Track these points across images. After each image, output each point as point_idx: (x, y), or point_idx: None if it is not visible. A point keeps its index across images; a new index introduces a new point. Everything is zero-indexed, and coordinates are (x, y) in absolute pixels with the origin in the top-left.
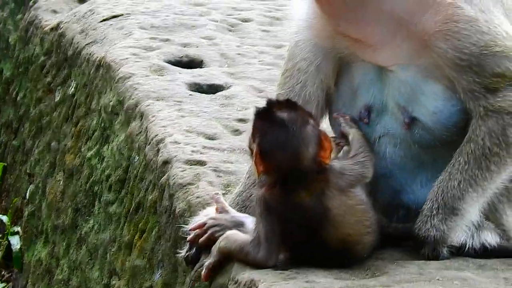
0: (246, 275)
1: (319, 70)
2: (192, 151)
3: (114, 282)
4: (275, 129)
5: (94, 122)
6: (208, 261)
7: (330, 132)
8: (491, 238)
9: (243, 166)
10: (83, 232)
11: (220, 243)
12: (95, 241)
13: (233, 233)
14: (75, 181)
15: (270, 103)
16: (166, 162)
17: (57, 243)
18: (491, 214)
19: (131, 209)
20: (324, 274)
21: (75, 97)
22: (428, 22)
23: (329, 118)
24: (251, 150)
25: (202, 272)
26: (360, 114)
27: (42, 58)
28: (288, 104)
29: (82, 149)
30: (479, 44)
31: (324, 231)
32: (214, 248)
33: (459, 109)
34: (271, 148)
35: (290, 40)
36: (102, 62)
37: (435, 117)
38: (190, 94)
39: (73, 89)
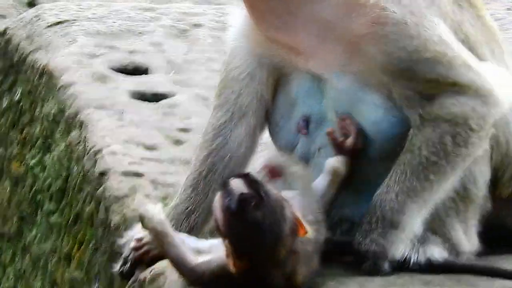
0: None
1: (253, 79)
2: (130, 163)
3: None
4: (252, 233)
5: (38, 130)
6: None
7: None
8: (437, 252)
9: (182, 178)
10: (27, 242)
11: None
12: (38, 250)
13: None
14: (20, 189)
15: (242, 200)
16: (103, 174)
17: (4, 251)
18: (438, 228)
19: (70, 220)
20: None
21: (21, 104)
22: (355, 25)
23: (269, 129)
24: (223, 242)
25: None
26: (298, 125)
27: None
28: (259, 194)
29: (27, 157)
30: (408, 49)
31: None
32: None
33: (400, 119)
34: (248, 251)
35: (227, 49)
36: (45, 70)
37: (375, 128)
38: (132, 103)
39: (19, 95)
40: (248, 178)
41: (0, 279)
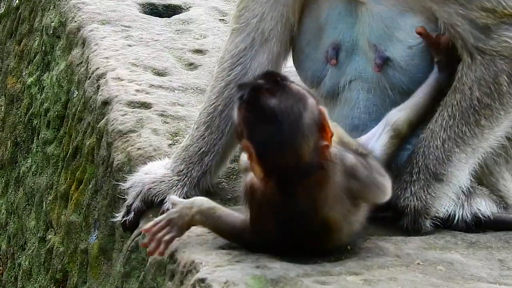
0: (186, 254)
1: (278, 2)
2: (137, 90)
3: (50, 236)
4: (269, 126)
5: (36, 43)
6: (170, 234)
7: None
8: (485, 206)
9: (195, 110)
10: (21, 171)
11: (195, 217)
12: (32, 184)
13: (207, 208)
14: (15, 110)
15: (256, 88)
16: (106, 103)
17: None
18: (485, 178)
19: (68, 153)
20: (278, 257)
21: (20, 11)
22: None
23: (293, 58)
24: (244, 145)
25: (161, 247)
26: (327, 54)
27: None
28: (277, 83)
29: (24, 73)
30: None
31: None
32: (180, 221)
33: None
34: (269, 150)
35: None
36: None
37: (411, 53)
38: (142, 18)
39: (17, 1)
40: (266, 73)
41: None
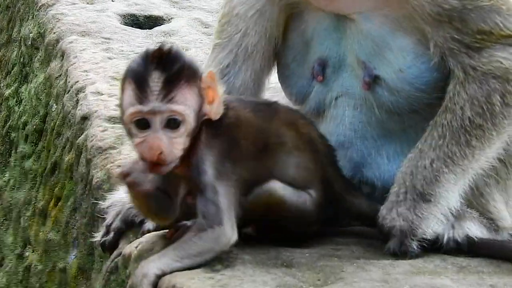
0: (167, 278)
1: (262, 16)
2: (117, 105)
3: (27, 253)
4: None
5: (14, 54)
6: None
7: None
8: (475, 229)
9: None
10: None
11: None
12: (10, 199)
13: None
14: None
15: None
16: (85, 118)
17: None
18: (475, 200)
19: (47, 168)
20: (265, 280)
21: None
22: None
23: (278, 74)
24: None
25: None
26: (313, 70)
27: None
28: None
29: (1, 85)
30: None
31: None
32: None
33: (430, 67)
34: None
35: None
36: None
37: (401, 76)
38: (123, 29)
39: None
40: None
41: None
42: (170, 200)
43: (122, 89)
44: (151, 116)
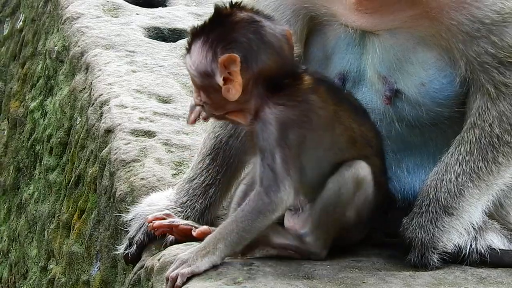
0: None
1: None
2: (140, 118)
3: (51, 266)
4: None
5: (39, 67)
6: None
7: None
8: (497, 241)
9: (200, 139)
10: (23, 198)
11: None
12: (34, 212)
13: None
14: (18, 135)
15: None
16: (109, 131)
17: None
18: (496, 212)
19: (71, 181)
20: None
21: (23, 33)
22: None
23: None
24: (226, 60)
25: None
26: None
27: None
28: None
29: (27, 97)
30: (503, 11)
31: None
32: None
33: (452, 80)
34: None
35: None
36: None
37: (423, 90)
38: (147, 42)
39: (21, 22)
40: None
41: None
42: None
43: None
44: None
